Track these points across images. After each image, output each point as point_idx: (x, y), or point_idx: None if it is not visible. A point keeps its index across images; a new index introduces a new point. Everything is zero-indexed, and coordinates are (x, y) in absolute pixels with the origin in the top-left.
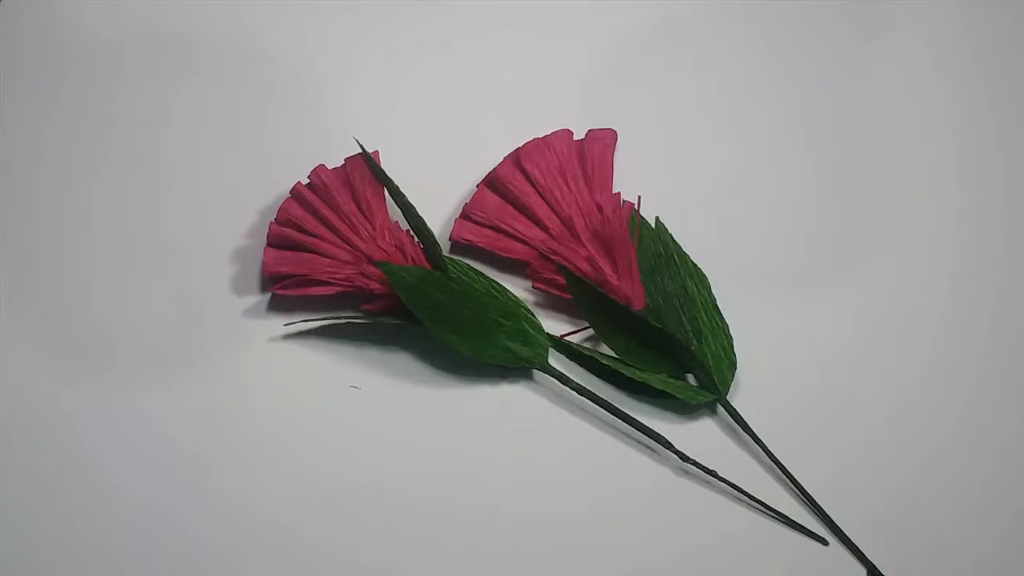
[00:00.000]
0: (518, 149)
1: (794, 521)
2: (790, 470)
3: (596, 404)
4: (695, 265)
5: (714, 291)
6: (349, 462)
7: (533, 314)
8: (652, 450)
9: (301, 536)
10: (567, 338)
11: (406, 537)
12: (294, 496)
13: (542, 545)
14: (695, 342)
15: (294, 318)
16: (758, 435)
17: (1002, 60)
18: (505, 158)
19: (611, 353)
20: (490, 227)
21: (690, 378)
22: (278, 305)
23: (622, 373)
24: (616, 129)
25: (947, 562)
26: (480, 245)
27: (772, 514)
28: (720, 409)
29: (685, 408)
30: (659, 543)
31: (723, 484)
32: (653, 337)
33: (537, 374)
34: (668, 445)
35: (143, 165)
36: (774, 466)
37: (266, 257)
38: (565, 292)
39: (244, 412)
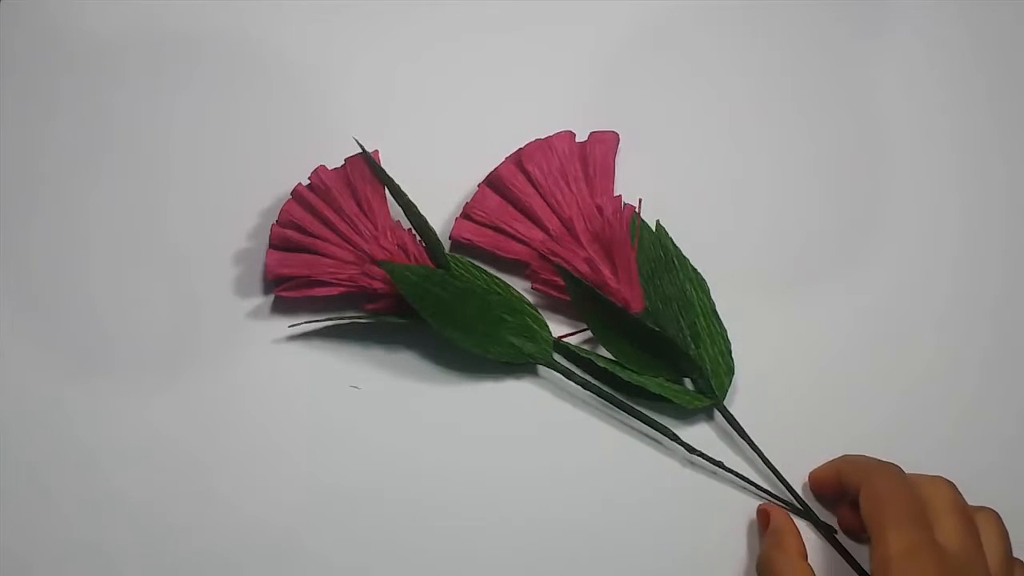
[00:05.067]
0: (520, 149)
1: (801, 509)
2: (787, 478)
3: (602, 399)
4: (695, 270)
5: (713, 296)
6: (354, 462)
7: (536, 310)
8: (659, 443)
9: (303, 537)
10: (565, 339)
11: (411, 535)
12: (298, 497)
13: (548, 542)
14: (693, 347)
15: (298, 319)
16: (755, 441)
17: (1002, 60)
18: (507, 158)
19: (609, 355)
20: (490, 227)
21: (687, 383)
22: (281, 307)
23: (619, 376)
24: (618, 131)
25: None
26: (480, 245)
27: (780, 504)
28: (717, 415)
29: (682, 413)
30: (667, 536)
31: (730, 475)
32: (651, 340)
33: (542, 370)
34: (675, 437)
35: (143, 166)
36: (770, 473)
37: (269, 259)
38: (564, 293)
39: (248, 414)
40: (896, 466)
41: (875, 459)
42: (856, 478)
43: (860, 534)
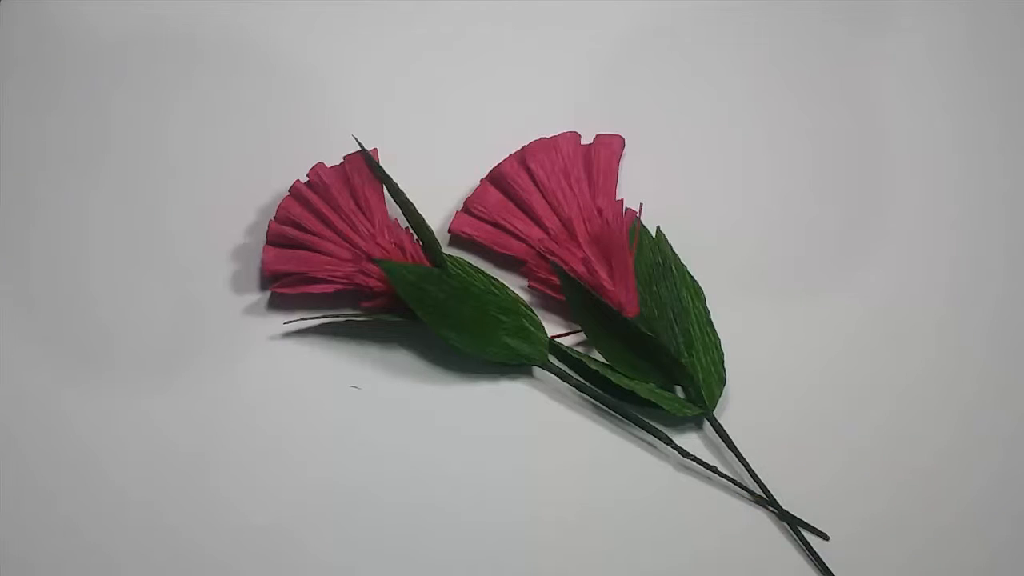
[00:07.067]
0: (524, 147)
1: (795, 517)
2: (778, 488)
3: (597, 401)
4: (692, 278)
5: (709, 299)
6: (348, 461)
7: (532, 311)
8: (653, 447)
9: (301, 536)
10: (558, 339)
11: (406, 536)
12: (294, 495)
13: (542, 542)
14: (686, 355)
15: (294, 316)
16: (743, 454)
17: (1002, 60)
18: (510, 155)
19: (601, 359)
20: (490, 222)
21: (678, 390)
22: (278, 303)
23: (610, 379)
24: (617, 130)
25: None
26: (479, 239)
27: (773, 509)
28: (707, 424)
29: (671, 420)
30: (661, 540)
31: (723, 480)
32: (644, 345)
33: (537, 371)
34: (669, 441)
35: (143, 164)
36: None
37: (265, 255)
38: (559, 293)
39: (244, 411)
40: None
41: None
42: None
43: None
